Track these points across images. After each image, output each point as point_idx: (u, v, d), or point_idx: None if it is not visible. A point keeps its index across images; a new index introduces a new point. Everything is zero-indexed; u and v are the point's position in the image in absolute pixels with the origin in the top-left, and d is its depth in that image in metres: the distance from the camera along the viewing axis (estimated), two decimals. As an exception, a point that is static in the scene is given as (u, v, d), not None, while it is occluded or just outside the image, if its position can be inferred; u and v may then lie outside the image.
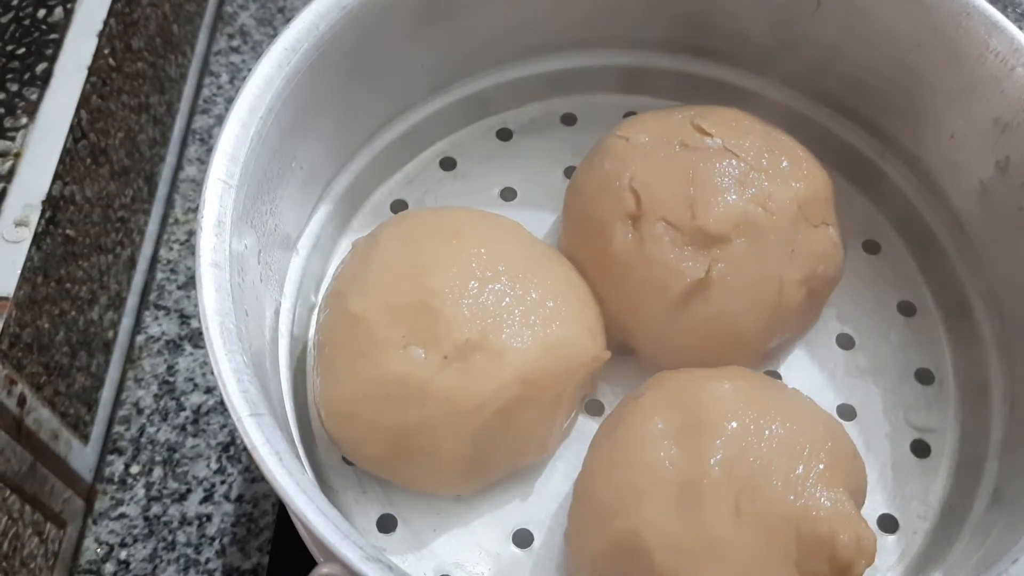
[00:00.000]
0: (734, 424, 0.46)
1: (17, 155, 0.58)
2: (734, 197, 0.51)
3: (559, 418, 0.50)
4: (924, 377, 0.56)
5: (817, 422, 0.47)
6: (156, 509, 0.62)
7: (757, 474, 0.44)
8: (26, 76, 0.60)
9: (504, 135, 0.63)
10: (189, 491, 0.62)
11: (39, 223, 0.57)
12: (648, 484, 0.45)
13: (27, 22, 0.62)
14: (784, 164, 0.53)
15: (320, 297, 0.56)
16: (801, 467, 0.45)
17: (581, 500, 0.48)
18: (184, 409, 0.65)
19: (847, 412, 0.55)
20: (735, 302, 0.51)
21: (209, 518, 0.61)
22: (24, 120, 0.59)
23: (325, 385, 0.50)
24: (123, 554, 0.60)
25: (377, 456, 0.49)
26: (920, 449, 0.54)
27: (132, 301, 0.68)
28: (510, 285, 0.49)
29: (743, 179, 0.52)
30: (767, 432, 0.46)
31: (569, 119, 0.64)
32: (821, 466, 0.45)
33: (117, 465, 0.63)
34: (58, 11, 0.63)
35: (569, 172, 0.62)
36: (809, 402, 0.49)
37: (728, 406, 0.46)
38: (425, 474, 0.50)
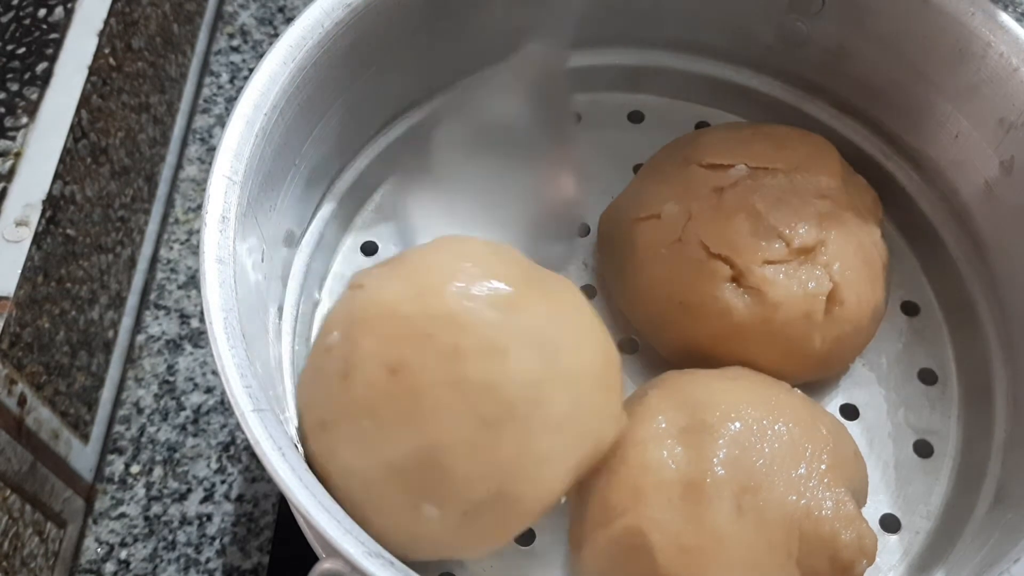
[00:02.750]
0: (737, 424, 0.46)
1: (17, 155, 0.58)
2: (801, 202, 0.51)
3: None
4: (927, 377, 0.56)
5: (819, 423, 0.47)
6: (156, 509, 0.61)
7: (759, 474, 0.44)
8: (26, 76, 0.60)
9: (508, 133, 0.63)
10: (189, 491, 0.62)
11: (39, 223, 0.56)
12: (651, 483, 0.45)
13: (27, 21, 0.62)
14: (800, 149, 0.54)
15: (322, 296, 0.56)
16: (803, 467, 0.45)
17: (584, 498, 0.48)
18: (184, 409, 0.65)
19: (850, 412, 0.55)
20: (860, 292, 0.51)
21: (209, 518, 0.61)
22: (24, 120, 0.59)
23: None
24: (123, 554, 0.60)
25: None
26: (923, 449, 0.54)
27: (132, 301, 0.68)
28: (525, 410, 0.42)
29: (792, 184, 0.52)
30: (769, 432, 0.46)
31: (573, 118, 0.64)
32: (823, 466, 0.45)
33: (117, 465, 0.63)
34: (58, 10, 0.63)
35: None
36: (811, 403, 0.49)
37: (732, 406, 0.47)
38: None
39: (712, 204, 0.52)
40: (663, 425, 0.47)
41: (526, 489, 0.43)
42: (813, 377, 0.54)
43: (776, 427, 0.46)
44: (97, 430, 0.63)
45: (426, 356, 0.42)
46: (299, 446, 0.46)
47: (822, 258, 0.51)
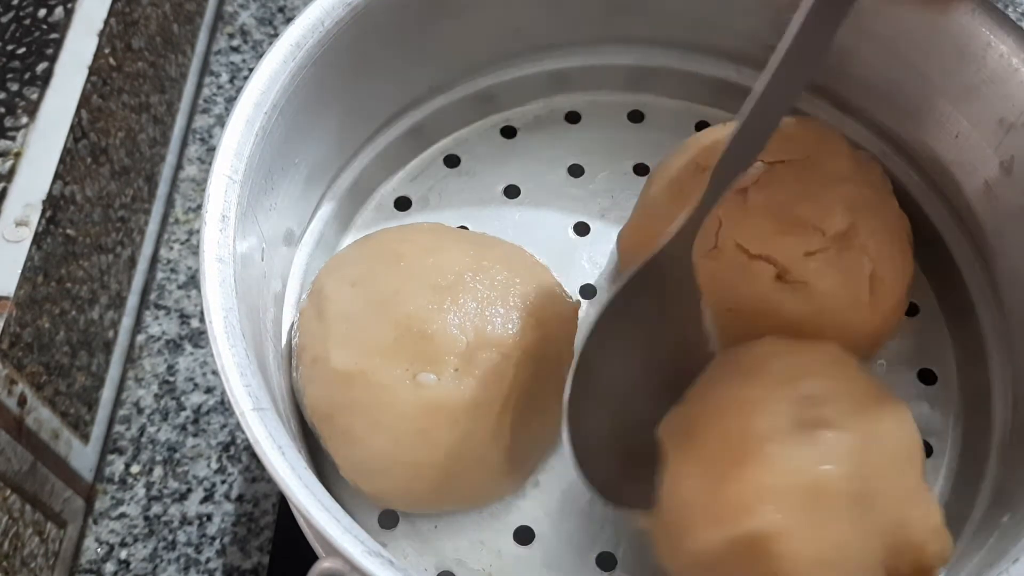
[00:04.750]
0: (852, 429, 0.44)
1: (17, 155, 0.58)
2: (823, 188, 0.51)
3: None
4: (927, 377, 0.56)
5: (909, 423, 0.46)
6: (156, 509, 0.61)
7: (870, 481, 0.43)
8: (26, 76, 0.60)
9: (508, 132, 0.63)
10: (189, 491, 0.62)
11: (39, 223, 0.56)
12: (779, 483, 0.43)
13: (27, 22, 0.62)
14: (806, 136, 0.54)
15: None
16: (904, 474, 0.44)
17: (684, 487, 0.45)
18: (184, 409, 0.65)
19: (850, 412, 0.55)
20: (896, 265, 0.51)
21: (209, 518, 0.61)
22: (24, 120, 0.59)
23: (352, 451, 0.48)
24: (123, 554, 0.60)
25: (426, 493, 0.49)
26: (922, 449, 0.54)
27: (132, 301, 0.68)
28: (473, 279, 0.49)
29: (810, 172, 0.52)
30: (883, 438, 0.44)
31: (573, 117, 0.64)
32: (918, 471, 0.44)
33: (117, 465, 0.63)
34: (58, 11, 0.63)
35: (573, 170, 0.62)
36: (900, 402, 0.48)
37: (851, 407, 0.45)
38: (476, 489, 0.50)
39: (739, 206, 0.51)
40: (783, 419, 0.44)
41: (501, 329, 0.48)
42: (861, 356, 0.53)
43: (881, 432, 0.44)
44: (97, 430, 0.63)
45: (375, 264, 0.51)
46: (315, 427, 0.49)
47: (857, 240, 0.50)
